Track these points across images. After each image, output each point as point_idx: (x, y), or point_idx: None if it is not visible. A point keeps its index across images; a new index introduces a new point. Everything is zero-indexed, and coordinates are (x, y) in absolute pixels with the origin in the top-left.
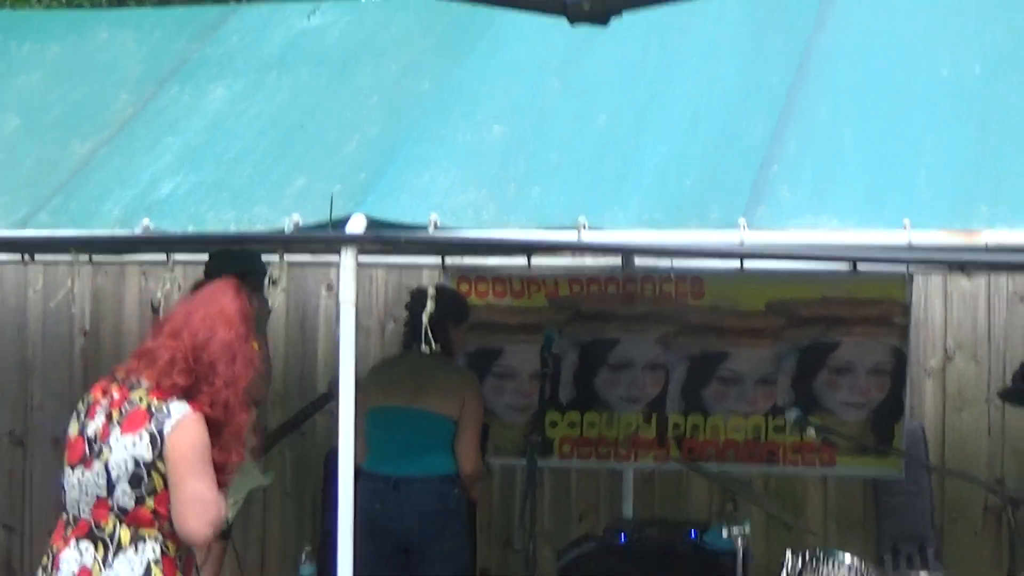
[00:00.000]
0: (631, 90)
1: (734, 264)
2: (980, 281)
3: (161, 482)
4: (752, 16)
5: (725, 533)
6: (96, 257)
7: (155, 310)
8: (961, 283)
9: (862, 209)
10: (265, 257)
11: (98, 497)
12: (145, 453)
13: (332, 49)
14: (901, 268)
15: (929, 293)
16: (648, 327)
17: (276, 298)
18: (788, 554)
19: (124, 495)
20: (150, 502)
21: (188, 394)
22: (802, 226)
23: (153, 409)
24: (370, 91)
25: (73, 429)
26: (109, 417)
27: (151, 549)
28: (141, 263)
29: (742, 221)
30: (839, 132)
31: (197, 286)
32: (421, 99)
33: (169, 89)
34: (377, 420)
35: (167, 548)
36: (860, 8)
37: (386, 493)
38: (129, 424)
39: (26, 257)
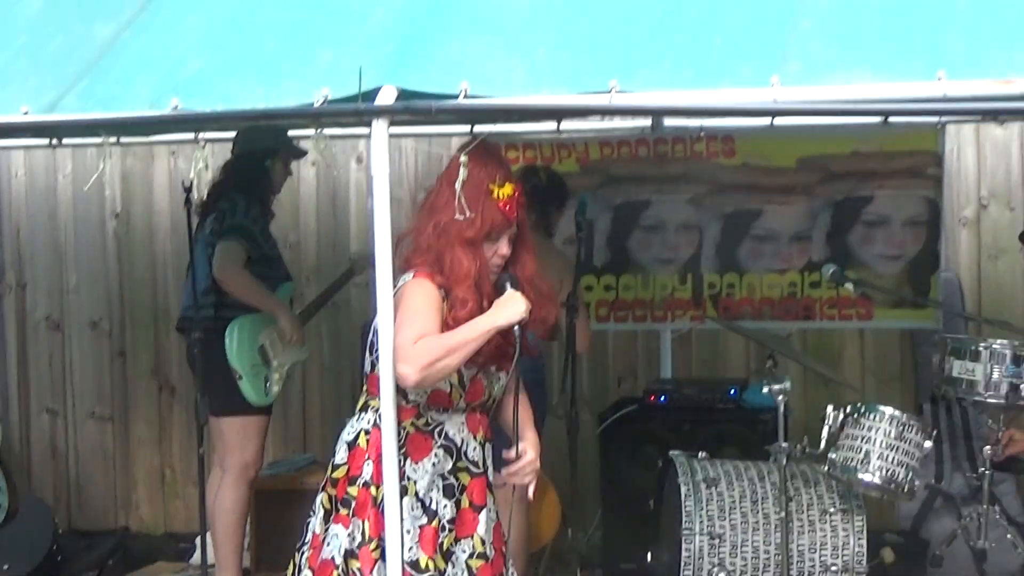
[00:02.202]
0: None
1: (764, 121)
2: (1013, 129)
3: None
4: None
5: (765, 390)
6: (124, 139)
7: (187, 189)
8: (994, 131)
9: (895, 62)
10: (294, 132)
11: (362, 368)
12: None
13: None
14: (933, 119)
15: (961, 143)
16: (680, 188)
17: (305, 173)
18: (829, 409)
19: (366, 362)
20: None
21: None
22: (835, 81)
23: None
24: None
25: None
26: None
27: (367, 420)
28: (169, 143)
29: (774, 79)
30: None
31: (227, 164)
32: None
33: None
34: None
35: (380, 421)
36: None
37: None
38: None
39: (54, 141)
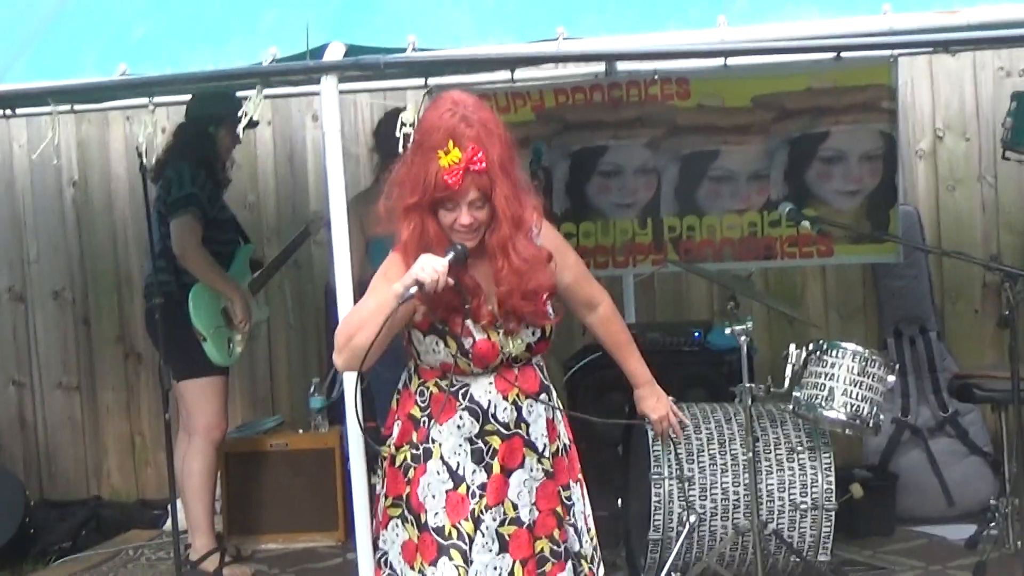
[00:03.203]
0: None
1: (718, 62)
2: (965, 59)
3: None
4: None
5: (728, 331)
6: (78, 105)
7: (140, 155)
8: (946, 62)
9: None
10: (243, 93)
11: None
12: None
13: None
14: (885, 52)
15: (915, 75)
16: (636, 132)
17: (261, 132)
18: (791, 347)
19: None
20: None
21: None
22: (782, 18)
23: None
24: None
25: None
26: None
27: (402, 380)
28: (124, 108)
29: (721, 18)
30: None
31: (176, 129)
32: None
33: None
34: (383, 249)
35: (409, 381)
36: None
37: None
38: None
39: (7, 111)
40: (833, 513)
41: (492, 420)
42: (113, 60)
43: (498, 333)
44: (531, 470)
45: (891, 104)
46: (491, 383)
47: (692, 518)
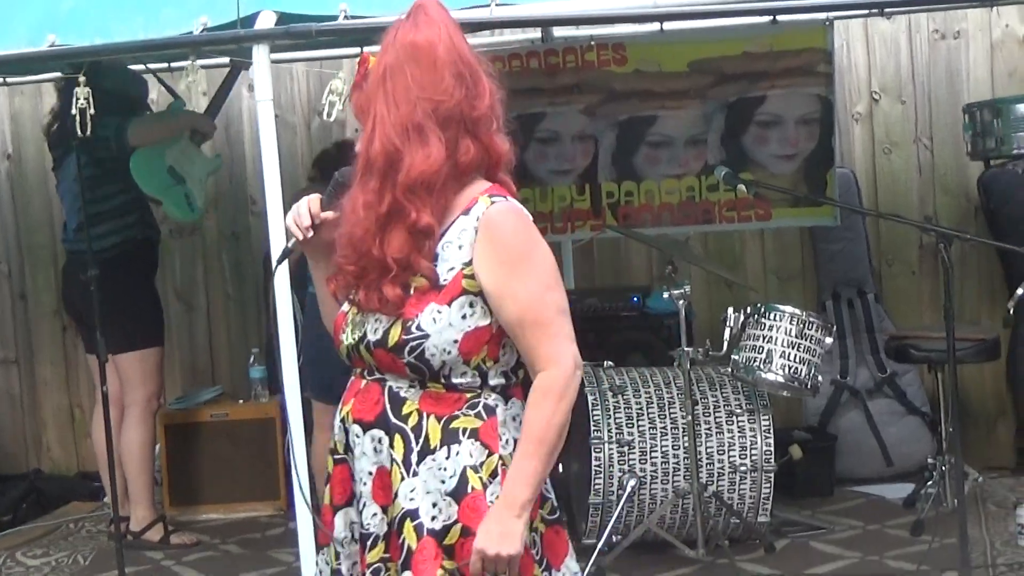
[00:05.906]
0: None
1: (654, 27)
2: (900, 22)
3: None
4: None
5: (666, 295)
6: (10, 78)
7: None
8: (881, 26)
9: None
10: (176, 64)
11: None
12: None
13: None
14: (820, 16)
15: (851, 38)
16: (573, 98)
17: (198, 103)
18: (729, 311)
19: None
20: None
21: None
22: None
23: None
24: None
25: None
26: None
27: None
28: (58, 80)
29: None
30: None
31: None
32: None
33: None
34: None
35: None
36: None
37: None
38: None
39: None
40: (772, 475)
41: (333, 436)
42: (42, 31)
43: (354, 308)
44: (351, 519)
45: (827, 67)
46: (345, 387)
47: (632, 482)
